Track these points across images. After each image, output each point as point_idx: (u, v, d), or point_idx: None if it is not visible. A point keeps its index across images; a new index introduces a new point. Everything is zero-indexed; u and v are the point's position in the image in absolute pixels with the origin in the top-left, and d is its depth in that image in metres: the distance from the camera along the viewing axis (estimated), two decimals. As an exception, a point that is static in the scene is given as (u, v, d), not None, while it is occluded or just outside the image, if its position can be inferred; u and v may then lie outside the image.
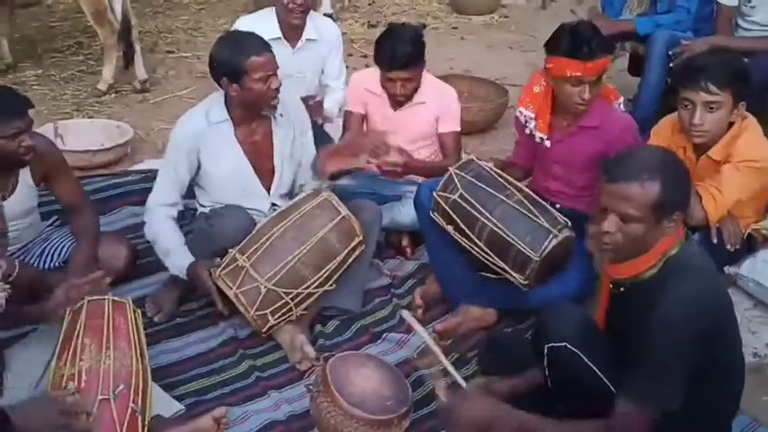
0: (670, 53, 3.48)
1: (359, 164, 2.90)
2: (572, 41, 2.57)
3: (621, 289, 1.96)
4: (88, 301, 2.22)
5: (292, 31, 3.31)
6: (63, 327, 2.19)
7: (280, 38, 3.26)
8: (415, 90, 3.10)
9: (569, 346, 1.98)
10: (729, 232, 2.53)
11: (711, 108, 2.47)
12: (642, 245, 1.87)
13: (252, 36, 2.65)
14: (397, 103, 3.13)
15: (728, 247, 2.52)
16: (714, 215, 2.52)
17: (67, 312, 2.21)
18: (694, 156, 2.62)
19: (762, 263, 2.50)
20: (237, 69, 2.55)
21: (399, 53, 2.97)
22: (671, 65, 3.49)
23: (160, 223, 2.67)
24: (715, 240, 2.53)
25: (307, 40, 3.34)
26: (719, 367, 1.87)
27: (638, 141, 2.77)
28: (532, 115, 2.79)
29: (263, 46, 2.59)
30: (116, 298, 2.26)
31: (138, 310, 2.30)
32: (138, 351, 2.16)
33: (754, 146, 2.52)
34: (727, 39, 3.52)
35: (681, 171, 1.88)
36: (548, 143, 2.78)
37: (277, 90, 2.59)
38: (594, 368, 1.98)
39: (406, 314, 2.38)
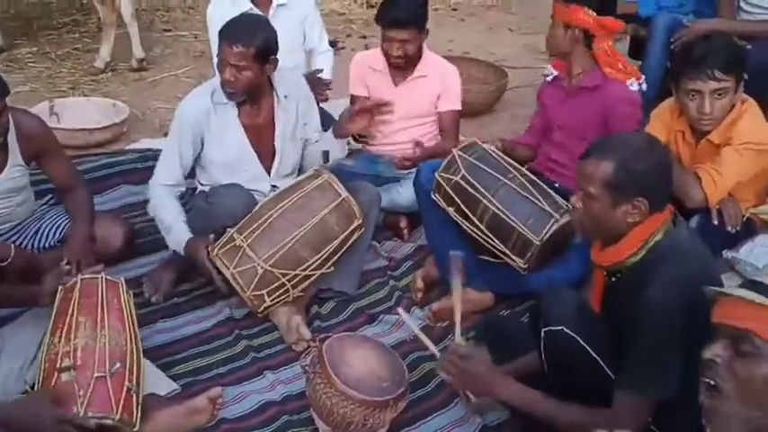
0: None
1: (382, 117, 2.95)
2: None
3: (613, 279, 1.95)
4: (81, 279, 2.21)
5: (263, 0, 3.30)
6: (55, 304, 2.17)
7: (251, 9, 3.25)
8: (415, 58, 3.08)
9: (566, 330, 1.97)
10: (730, 214, 2.52)
11: (720, 95, 2.45)
12: (604, 227, 1.88)
13: (237, 23, 2.62)
14: (396, 68, 3.10)
15: (729, 228, 2.51)
16: (714, 197, 2.51)
17: (59, 290, 2.20)
18: (694, 140, 2.61)
19: (760, 247, 2.49)
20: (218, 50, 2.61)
21: (399, 11, 2.99)
22: (672, 48, 3.46)
23: (162, 201, 2.67)
24: (716, 222, 2.52)
25: (278, 5, 3.34)
26: None
27: (636, 115, 2.76)
28: (553, 73, 2.93)
29: (232, 36, 2.55)
30: (109, 277, 2.25)
31: (131, 291, 2.29)
32: (132, 331, 2.15)
33: (755, 129, 2.51)
34: (730, 22, 3.48)
35: (650, 158, 1.83)
36: (550, 78, 2.92)
37: (229, 83, 2.58)
38: (592, 352, 1.97)
39: (401, 312, 2.39)
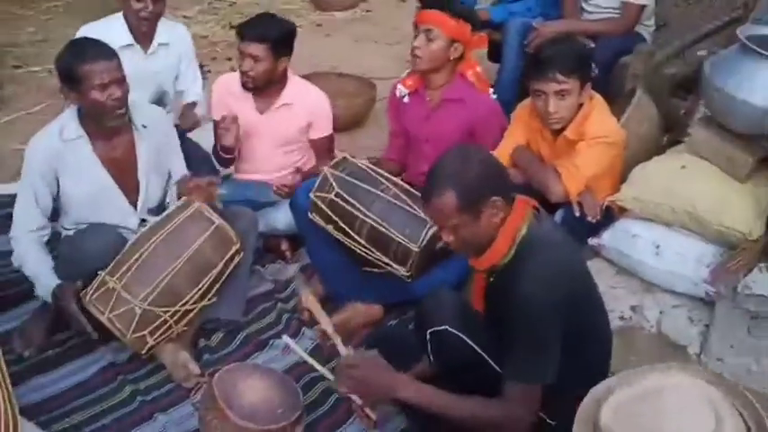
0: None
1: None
2: None
3: (491, 279, 2.01)
4: None
5: (144, 36, 3.21)
6: None
7: (132, 44, 3.16)
8: (263, 81, 2.99)
9: (450, 329, 2.04)
10: (589, 205, 2.67)
11: (562, 95, 2.60)
12: (480, 239, 1.93)
13: (92, 42, 2.53)
14: (248, 89, 3.03)
15: (590, 218, 2.66)
16: (574, 190, 2.66)
17: None
18: (552, 137, 2.76)
19: (620, 232, 2.66)
20: (74, 77, 2.44)
21: (254, 23, 2.98)
22: (527, 50, 3.64)
23: (26, 250, 2.53)
24: (578, 214, 2.66)
25: (159, 44, 3.26)
26: (585, 334, 1.96)
27: (502, 123, 2.90)
28: (407, 91, 2.95)
29: (102, 53, 2.47)
30: None
31: (0, 348, 2.15)
32: (5, 390, 2.01)
33: (603, 123, 2.68)
34: (576, 22, 3.71)
35: (473, 163, 1.89)
36: (406, 99, 2.94)
37: (119, 100, 2.48)
38: (477, 348, 2.05)
39: (286, 339, 2.34)
